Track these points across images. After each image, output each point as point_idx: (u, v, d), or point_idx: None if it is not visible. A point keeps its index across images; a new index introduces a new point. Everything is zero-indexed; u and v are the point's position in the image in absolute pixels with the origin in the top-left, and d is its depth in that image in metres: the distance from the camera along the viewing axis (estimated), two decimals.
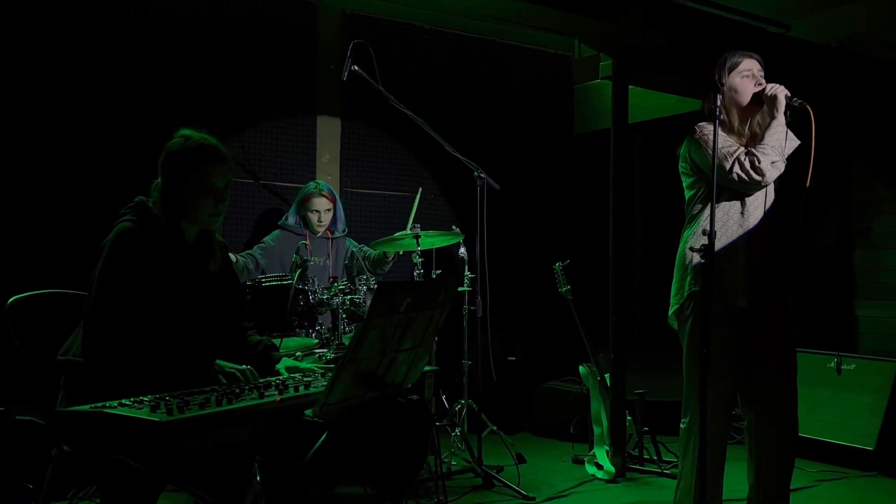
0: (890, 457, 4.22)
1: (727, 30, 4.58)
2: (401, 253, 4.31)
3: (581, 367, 4.39)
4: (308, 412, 1.96)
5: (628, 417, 4.39)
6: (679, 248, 3.01)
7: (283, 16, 4.91)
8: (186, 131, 2.48)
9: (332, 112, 5.13)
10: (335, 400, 2.01)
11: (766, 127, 2.84)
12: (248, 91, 4.78)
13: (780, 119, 2.81)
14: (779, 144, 2.78)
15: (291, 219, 4.48)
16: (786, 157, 2.85)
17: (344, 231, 4.59)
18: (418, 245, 3.96)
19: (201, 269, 2.42)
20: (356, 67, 3.97)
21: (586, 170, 6.05)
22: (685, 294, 2.92)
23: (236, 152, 4.76)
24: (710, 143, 2.79)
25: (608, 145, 4.31)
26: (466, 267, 4.29)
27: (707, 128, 2.89)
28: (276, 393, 2.04)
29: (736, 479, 3.15)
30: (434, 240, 4.14)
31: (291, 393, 2.08)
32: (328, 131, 5.13)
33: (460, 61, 5.60)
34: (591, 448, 4.27)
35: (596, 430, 4.28)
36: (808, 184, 2.72)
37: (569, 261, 4.51)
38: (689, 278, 2.92)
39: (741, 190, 2.85)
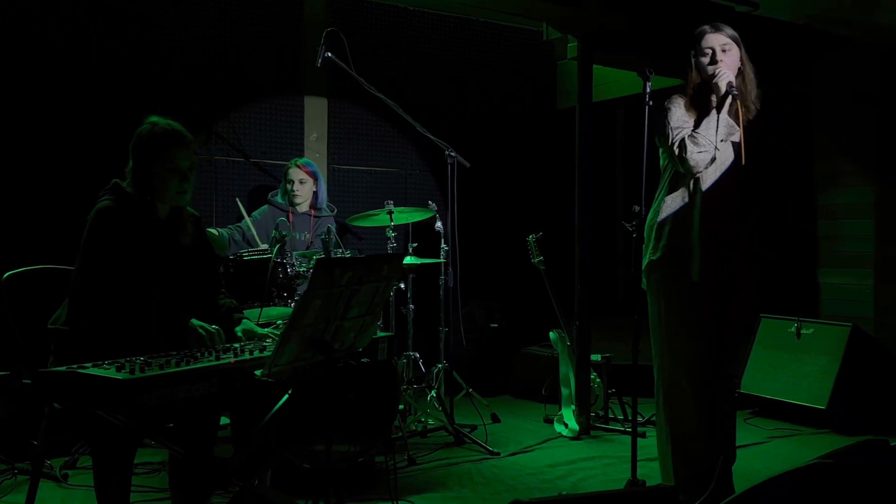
0: (840, 415, 4.48)
1: (691, 9, 4.75)
2: None
3: (551, 333, 4.66)
4: (258, 372, 2.25)
5: (597, 379, 4.68)
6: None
7: None
8: (154, 118, 2.74)
9: (319, 92, 5.38)
10: (284, 361, 2.29)
11: (707, 113, 2.98)
12: (237, 73, 5.04)
13: (722, 107, 2.94)
14: (710, 135, 2.92)
15: (279, 195, 4.77)
16: (719, 142, 2.94)
17: (333, 212, 4.85)
18: (391, 221, 4.23)
19: (173, 242, 2.70)
20: (329, 54, 4.22)
21: (568, 145, 6.25)
22: (644, 263, 3.12)
23: (219, 131, 5.04)
24: (666, 119, 2.98)
25: (594, 120, 4.54)
26: (442, 240, 4.56)
27: (672, 101, 3.04)
28: (233, 356, 2.34)
29: None
30: (408, 215, 4.41)
31: (247, 356, 2.37)
32: (315, 111, 5.39)
33: (443, 41, 5.82)
34: (560, 408, 4.57)
35: (564, 391, 4.57)
36: (742, 161, 2.92)
37: (542, 233, 4.77)
38: (649, 249, 3.10)
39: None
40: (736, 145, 2.99)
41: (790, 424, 4.61)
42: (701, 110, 3.01)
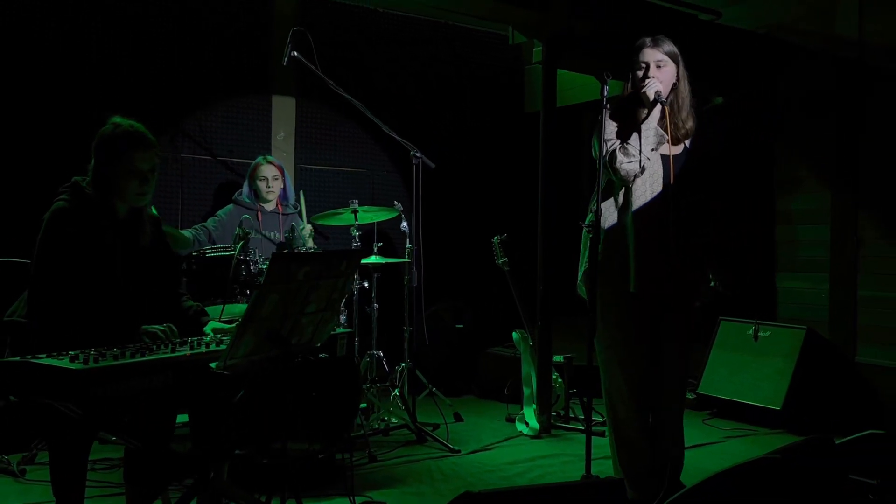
0: (794, 416, 4.58)
1: (655, 16, 4.85)
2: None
3: (514, 333, 4.72)
4: (213, 364, 2.27)
5: (559, 379, 4.74)
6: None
7: None
8: (117, 119, 2.74)
9: (288, 92, 5.40)
10: (240, 354, 2.31)
11: (636, 124, 3.04)
12: (205, 71, 5.04)
13: (650, 117, 3.01)
14: (639, 145, 2.98)
15: (245, 194, 4.77)
16: (649, 151, 3.00)
17: (296, 209, 4.88)
18: (356, 220, 4.27)
19: (132, 243, 2.71)
20: (296, 53, 4.24)
21: (534, 148, 6.32)
22: (581, 271, 3.20)
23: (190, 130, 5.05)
24: (600, 130, 3.03)
25: (558, 124, 4.61)
26: (408, 240, 4.59)
27: (605, 113, 3.07)
28: (188, 349, 2.35)
29: None
30: (373, 214, 4.44)
31: (202, 349, 2.39)
32: (283, 110, 5.40)
33: (411, 43, 5.87)
34: (522, 408, 4.62)
35: (526, 391, 4.62)
36: (671, 178, 2.98)
37: (506, 234, 4.84)
38: (585, 257, 3.15)
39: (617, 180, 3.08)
40: (666, 158, 3.03)
41: (747, 425, 4.70)
42: (629, 121, 3.07)
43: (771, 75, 5.33)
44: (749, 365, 4.90)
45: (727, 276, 3.43)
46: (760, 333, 4.93)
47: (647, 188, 3.05)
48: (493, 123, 6.26)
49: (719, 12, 5.26)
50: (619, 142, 3.02)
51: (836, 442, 2.88)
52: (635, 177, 3.02)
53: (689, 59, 5.00)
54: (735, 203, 5.44)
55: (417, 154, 4.35)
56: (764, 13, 5.33)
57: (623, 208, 3.06)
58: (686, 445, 4.17)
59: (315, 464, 3.50)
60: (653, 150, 3.00)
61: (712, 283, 3.14)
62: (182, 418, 3.15)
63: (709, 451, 4.18)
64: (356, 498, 3.20)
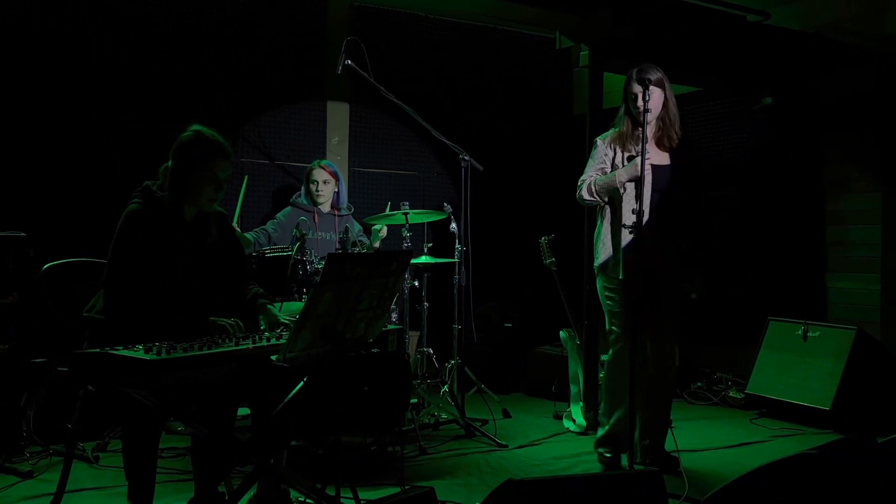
0: (844, 416, 4.57)
1: (700, 18, 4.88)
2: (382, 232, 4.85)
3: (561, 332, 4.82)
4: (273, 357, 2.44)
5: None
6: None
7: (296, 8, 5.37)
8: (198, 127, 2.92)
9: (342, 98, 5.59)
10: (298, 349, 2.48)
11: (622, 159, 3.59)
12: (263, 79, 5.25)
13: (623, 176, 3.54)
14: (598, 189, 3.60)
15: (302, 196, 4.97)
16: (626, 183, 3.54)
17: (350, 210, 5.06)
18: (407, 222, 4.42)
19: (198, 243, 2.90)
20: (350, 62, 4.41)
21: (583, 149, 6.38)
22: (595, 269, 3.74)
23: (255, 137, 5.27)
24: (591, 156, 3.71)
25: (604, 126, 4.71)
26: (457, 240, 4.73)
27: (598, 141, 3.71)
28: (251, 343, 2.53)
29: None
30: (423, 216, 4.59)
31: (264, 343, 2.56)
32: (338, 115, 5.60)
33: (461, 47, 6.00)
34: (569, 405, 4.71)
35: (573, 388, 4.71)
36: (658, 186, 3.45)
37: (553, 235, 4.94)
38: (597, 255, 3.70)
39: None
40: (655, 168, 3.54)
41: (795, 425, 4.71)
42: (625, 144, 3.61)
43: (819, 75, 5.32)
44: (798, 365, 4.90)
45: (714, 282, 4.02)
46: (810, 334, 4.92)
47: (631, 196, 3.51)
48: (542, 125, 6.36)
49: (768, 13, 5.26)
50: (593, 177, 3.60)
51: (879, 441, 2.92)
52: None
53: (737, 60, 5.07)
54: (782, 204, 5.45)
55: (466, 157, 4.49)
56: (813, 13, 5.31)
57: (616, 215, 3.59)
58: (732, 444, 4.29)
59: (368, 455, 3.66)
60: (630, 181, 3.53)
61: (693, 296, 3.64)
62: (243, 412, 3.35)
63: (755, 449, 4.21)
64: (406, 487, 3.34)
